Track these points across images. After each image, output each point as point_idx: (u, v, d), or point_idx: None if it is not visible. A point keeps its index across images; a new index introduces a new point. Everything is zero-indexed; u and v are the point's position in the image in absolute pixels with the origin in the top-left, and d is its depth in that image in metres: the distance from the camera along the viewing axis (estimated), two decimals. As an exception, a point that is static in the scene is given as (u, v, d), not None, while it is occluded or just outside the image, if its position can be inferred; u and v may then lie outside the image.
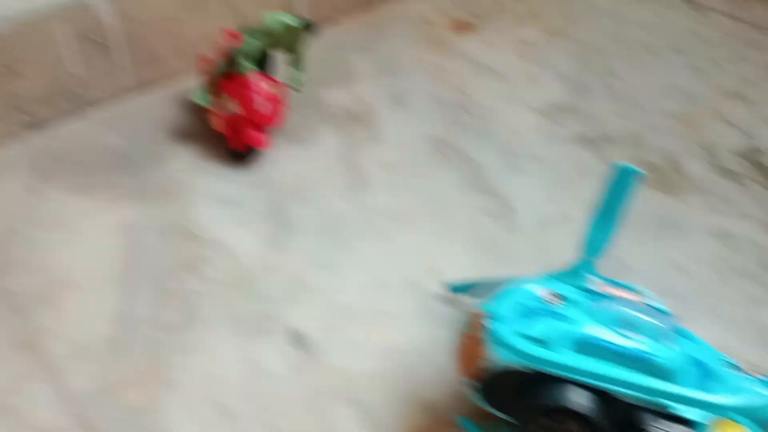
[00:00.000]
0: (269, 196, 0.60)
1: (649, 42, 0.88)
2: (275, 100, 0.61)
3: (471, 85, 0.78)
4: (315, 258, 0.54)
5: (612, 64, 0.84)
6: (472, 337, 0.38)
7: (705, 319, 0.52)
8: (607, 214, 0.41)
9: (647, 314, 0.38)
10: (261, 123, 0.60)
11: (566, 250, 0.57)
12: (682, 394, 0.34)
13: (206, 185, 0.60)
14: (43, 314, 0.48)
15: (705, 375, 0.37)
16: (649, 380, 0.35)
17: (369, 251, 0.55)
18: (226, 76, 0.62)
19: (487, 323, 0.37)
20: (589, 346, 0.36)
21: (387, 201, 0.61)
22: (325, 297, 0.51)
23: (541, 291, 0.40)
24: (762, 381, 0.37)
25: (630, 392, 0.35)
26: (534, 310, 0.38)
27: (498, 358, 0.37)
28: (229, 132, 0.62)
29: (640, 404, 0.35)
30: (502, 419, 0.38)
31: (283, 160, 0.64)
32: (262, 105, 0.60)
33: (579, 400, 0.35)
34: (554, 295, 0.40)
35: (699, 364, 0.37)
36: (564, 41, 0.86)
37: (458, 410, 0.43)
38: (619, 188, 0.39)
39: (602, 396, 0.36)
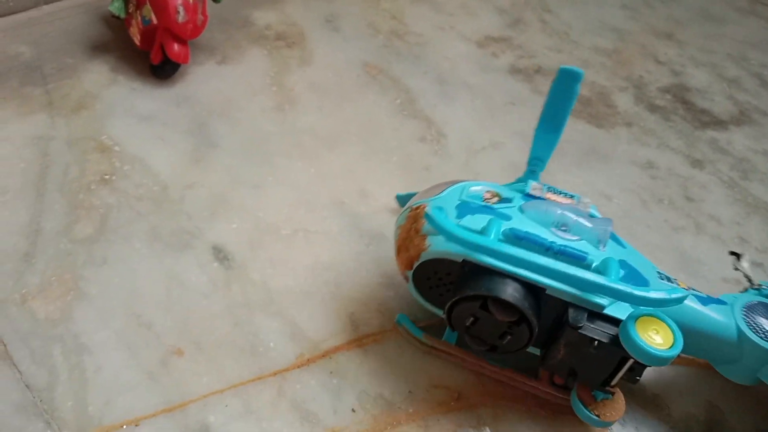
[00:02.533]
0: (192, 113, 0.57)
1: (585, -20, 0.88)
2: (194, 11, 0.57)
3: (407, 13, 0.76)
4: (239, 176, 0.52)
5: (548, 1, 0.84)
6: (411, 229, 0.38)
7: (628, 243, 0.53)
8: (551, 120, 0.40)
9: (583, 218, 0.38)
10: (180, 34, 0.57)
11: (494, 174, 0.57)
12: (607, 285, 0.34)
13: (121, 99, 0.57)
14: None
15: (634, 280, 0.37)
16: (576, 270, 0.34)
17: (296, 170, 0.53)
18: (144, -16, 0.58)
19: (428, 211, 0.36)
20: (522, 240, 0.36)
21: (316, 122, 0.59)
22: (249, 214, 0.49)
23: (480, 189, 0.40)
24: (691, 292, 0.38)
25: (558, 285, 0.35)
26: (472, 207, 0.38)
27: (435, 246, 0.36)
28: (147, 44, 0.59)
29: (569, 300, 0.35)
30: (437, 317, 0.38)
31: (208, 78, 0.61)
32: (180, 15, 0.56)
33: (511, 291, 0.35)
34: (494, 194, 0.39)
35: (630, 270, 0.37)
36: (501, -25, 0.85)
37: (382, 325, 0.43)
38: (562, 92, 0.39)
39: (534, 293, 0.36)
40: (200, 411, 0.36)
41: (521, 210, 0.38)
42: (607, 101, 0.69)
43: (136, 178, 0.50)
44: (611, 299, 0.35)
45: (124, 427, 0.35)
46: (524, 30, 0.78)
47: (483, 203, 0.38)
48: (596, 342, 0.35)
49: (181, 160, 0.52)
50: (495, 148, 0.60)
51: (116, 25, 0.63)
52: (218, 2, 0.61)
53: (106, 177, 0.49)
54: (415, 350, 0.42)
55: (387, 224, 0.50)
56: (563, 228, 0.37)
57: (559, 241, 0.36)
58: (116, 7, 0.60)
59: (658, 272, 0.39)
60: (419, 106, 0.63)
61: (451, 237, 0.35)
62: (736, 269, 0.41)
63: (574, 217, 0.38)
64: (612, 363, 0.36)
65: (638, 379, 0.36)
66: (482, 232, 0.36)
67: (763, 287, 0.39)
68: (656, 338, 0.34)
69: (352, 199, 0.52)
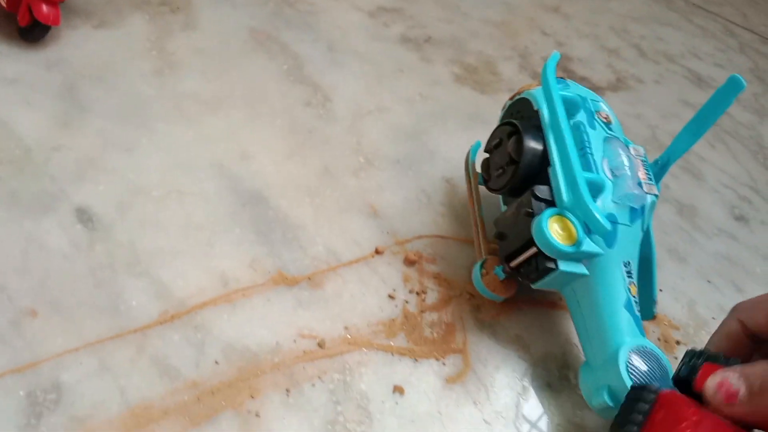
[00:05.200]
0: (63, 77, 0.55)
1: (477, -45, 0.90)
2: (66, -29, 0.55)
3: (298, -18, 0.76)
4: (111, 139, 0.50)
5: (440, -28, 0.85)
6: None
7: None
8: (701, 121, 0.43)
9: (632, 180, 0.42)
10: (49, -6, 0.54)
11: (378, 137, 0.58)
12: (587, 204, 0.38)
13: (-14, 63, 0.54)
14: None
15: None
16: (582, 177, 0.39)
17: (173, 134, 0.52)
18: (7, -58, 0.55)
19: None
20: (577, 133, 0.43)
21: (198, 87, 0.58)
22: (120, 177, 0.48)
23: (603, 107, 0.47)
24: (634, 299, 0.40)
25: (558, 170, 0.40)
26: (585, 103, 0.46)
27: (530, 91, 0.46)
28: (14, 6, 0.56)
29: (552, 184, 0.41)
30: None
31: (82, 42, 0.59)
32: (49, -27, 0.54)
33: (532, 144, 0.42)
34: (607, 117, 0.46)
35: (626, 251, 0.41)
36: (395, -53, 0.86)
37: (252, 280, 0.43)
38: (723, 97, 0.41)
39: (543, 162, 0.42)
40: (52, 370, 0.35)
41: (605, 139, 0.43)
42: (493, 69, 0.71)
43: (-3, 142, 0.47)
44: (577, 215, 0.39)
45: (-33, 387, 0.34)
46: (416, 2, 0.79)
47: (596, 111, 0.45)
48: (531, 212, 0.39)
49: (48, 123, 0.50)
50: (381, 112, 0.61)
51: (-18, -14, 0.59)
52: (90, -37, 0.59)
53: (-38, 140, 0.47)
54: (283, 303, 0.42)
55: (266, 185, 0.50)
56: (615, 171, 0.42)
57: (599, 163, 0.42)
58: (-21, -33, 0.57)
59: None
60: (307, 72, 0.63)
61: (545, 89, 0.44)
62: None
63: (629, 173, 0.42)
64: (525, 237, 0.39)
65: (534, 280, 0.40)
66: (567, 110, 0.44)
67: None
68: (561, 233, 0.38)
69: (231, 162, 0.51)
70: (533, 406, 0.40)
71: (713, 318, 0.50)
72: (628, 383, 0.34)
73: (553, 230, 0.38)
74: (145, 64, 0.59)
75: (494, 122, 0.50)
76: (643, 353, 0.36)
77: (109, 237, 0.43)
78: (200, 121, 0.54)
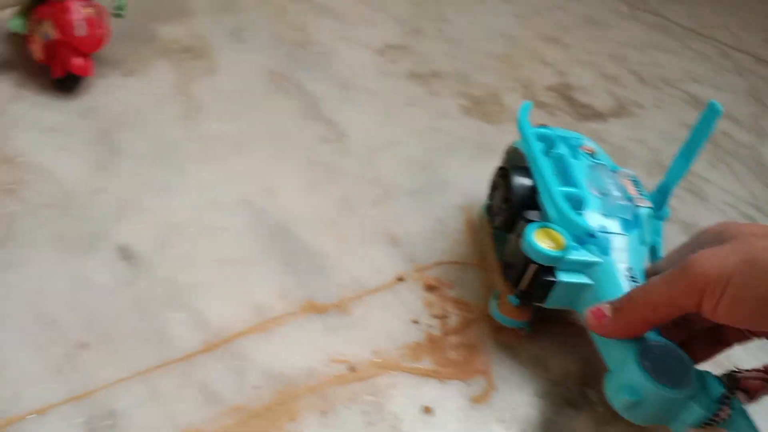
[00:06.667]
0: (97, 124, 0.58)
1: (478, -9, 0.94)
2: (95, 24, 0.59)
3: (310, 25, 0.80)
4: (145, 181, 0.54)
5: (442, 10, 0.89)
6: None
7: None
8: (692, 145, 0.46)
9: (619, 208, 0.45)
10: (80, 47, 0.58)
11: (393, 168, 0.61)
12: (570, 216, 0.43)
13: (25, 113, 0.57)
14: None
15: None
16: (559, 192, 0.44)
17: (202, 174, 0.56)
18: (42, 1, 0.59)
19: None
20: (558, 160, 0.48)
21: (222, 128, 0.61)
22: (155, 216, 0.51)
23: (588, 145, 0.52)
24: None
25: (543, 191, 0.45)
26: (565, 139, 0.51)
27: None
28: (48, 59, 0.60)
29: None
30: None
31: (112, 90, 0.62)
32: (80, 28, 0.58)
33: (519, 181, 0.47)
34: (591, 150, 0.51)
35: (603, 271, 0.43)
36: (400, -13, 0.90)
37: (284, 310, 0.46)
38: (706, 122, 0.45)
39: (532, 195, 0.46)
40: (106, 398, 0.38)
41: (590, 167, 0.48)
42: (498, 100, 0.75)
43: (41, 187, 0.51)
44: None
45: (33, 415, 0.36)
46: (422, 38, 0.83)
47: (579, 146, 0.50)
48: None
49: (86, 168, 0.53)
50: (394, 145, 0.64)
51: (17, 41, 0.63)
52: (121, 17, 0.63)
53: (11, 187, 0.50)
54: (314, 330, 0.45)
55: (291, 219, 0.53)
56: (601, 190, 0.46)
57: (583, 183, 0.47)
58: (17, 25, 0.61)
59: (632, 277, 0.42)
60: (322, 110, 0.67)
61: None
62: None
63: (615, 191, 0.46)
64: (524, 258, 0.42)
65: (542, 298, 0.43)
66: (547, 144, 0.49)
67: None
68: (548, 241, 0.42)
69: (257, 198, 0.54)
70: (556, 424, 0.43)
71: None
72: (643, 375, 0.36)
73: (539, 239, 0.42)
74: (172, 108, 0.62)
75: (502, 150, 0.54)
76: (656, 346, 0.38)
77: (150, 272, 0.46)
78: (227, 160, 0.58)
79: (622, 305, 0.38)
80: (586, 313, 0.39)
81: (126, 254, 0.47)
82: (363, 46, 0.79)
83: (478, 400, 0.43)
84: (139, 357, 0.41)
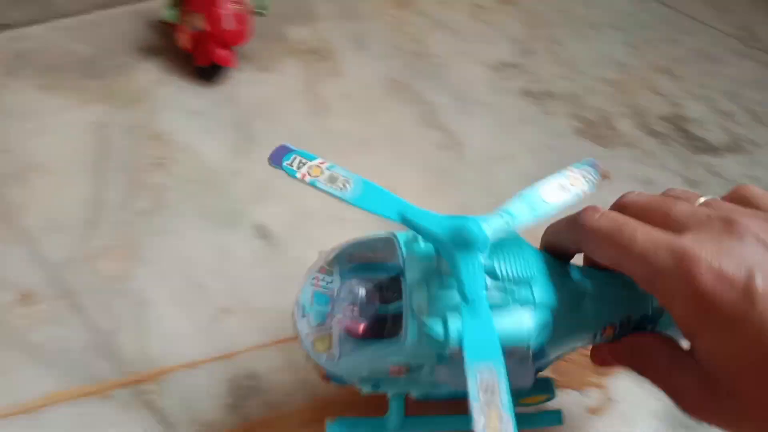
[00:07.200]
0: (233, 112, 0.62)
1: (591, 18, 0.95)
2: (241, 19, 0.63)
3: (427, 38, 0.83)
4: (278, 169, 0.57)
5: (556, 33, 0.90)
6: None
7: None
8: None
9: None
10: (227, 40, 0.62)
11: (511, 183, 0.62)
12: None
13: (171, 96, 0.62)
14: (16, 192, 0.49)
15: None
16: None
17: (330, 167, 0.58)
18: (194, -6, 0.64)
19: None
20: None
21: (346, 126, 0.64)
22: (288, 201, 0.54)
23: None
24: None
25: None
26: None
27: None
28: (194, 48, 0.64)
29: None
30: None
31: (247, 83, 0.67)
32: (228, 22, 0.62)
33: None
34: None
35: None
36: (514, 9, 0.92)
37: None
38: None
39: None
40: (249, 361, 0.41)
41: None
42: (610, 124, 0.75)
43: (187, 164, 0.55)
44: None
45: (185, 369, 0.39)
46: (535, 59, 0.84)
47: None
48: None
49: (226, 151, 0.57)
50: (509, 159, 0.66)
51: (165, 30, 0.68)
52: (263, 15, 0.67)
53: (161, 161, 0.54)
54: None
55: (412, 217, 0.55)
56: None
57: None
58: (171, 15, 0.66)
59: None
60: (439, 119, 0.69)
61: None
62: None
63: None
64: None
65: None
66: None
67: None
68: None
69: (379, 195, 0.57)
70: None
71: None
72: None
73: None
74: (300, 104, 0.66)
75: (616, 176, 0.53)
76: None
77: (283, 252, 0.49)
78: (351, 157, 0.60)
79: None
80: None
81: (262, 233, 0.50)
82: (478, 62, 0.81)
83: (594, 411, 0.44)
84: (275, 327, 0.43)
